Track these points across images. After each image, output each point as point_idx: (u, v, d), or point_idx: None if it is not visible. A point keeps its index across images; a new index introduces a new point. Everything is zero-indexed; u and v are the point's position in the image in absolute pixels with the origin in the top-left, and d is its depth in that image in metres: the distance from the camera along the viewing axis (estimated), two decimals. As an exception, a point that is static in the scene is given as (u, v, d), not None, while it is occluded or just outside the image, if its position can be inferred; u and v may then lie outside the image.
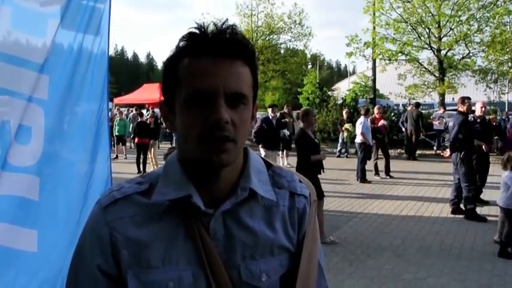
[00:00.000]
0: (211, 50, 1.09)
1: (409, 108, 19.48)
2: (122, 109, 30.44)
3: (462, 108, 8.85)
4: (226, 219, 1.17)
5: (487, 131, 10.04)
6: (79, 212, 2.51)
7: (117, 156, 19.17)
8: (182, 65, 1.11)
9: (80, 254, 1.19)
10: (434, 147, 19.20)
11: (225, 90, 1.08)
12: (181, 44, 1.13)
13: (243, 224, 1.18)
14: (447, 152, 9.58)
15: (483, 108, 9.72)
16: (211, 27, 1.11)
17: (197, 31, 1.12)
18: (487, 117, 11.82)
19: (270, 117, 12.13)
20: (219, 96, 1.07)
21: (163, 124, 13.89)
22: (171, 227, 1.14)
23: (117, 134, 19.47)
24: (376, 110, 14.49)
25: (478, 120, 9.44)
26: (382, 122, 13.72)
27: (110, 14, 2.64)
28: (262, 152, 11.18)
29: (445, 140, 10.34)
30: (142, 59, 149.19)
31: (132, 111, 24.12)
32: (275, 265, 1.21)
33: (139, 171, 14.21)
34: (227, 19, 1.14)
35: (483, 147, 9.33)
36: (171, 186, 1.15)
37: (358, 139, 12.93)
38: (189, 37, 1.12)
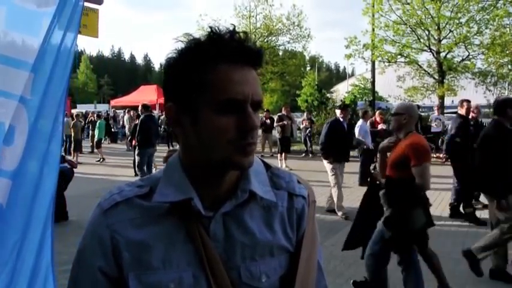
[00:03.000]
0: (243, 58, 1.12)
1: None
2: (117, 111, 30.45)
3: (461, 111, 8.82)
4: (226, 221, 1.19)
5: (479, 133, 9.97)
6: (27, 224, 2.39)
7: (103, 159, 19.25)
8: (215, 70, 1.11)
9: (81, 257, 1.21)
10: (433, 150, 19.17)
11: (253, 98, 1.13)
12: (206, 47, 1.12)
13: (242, 226, 1.20)
14: (443, 158, 9.58)
15: (475, 110, 9.65)
16: (228, 33, 1.12)
17: (223, 36, 1.12)
18: (485, 120, 11.78)
19: (341, 119, 9.72)
20: (247, 103, 1.12)
21: (161, 127, 13.77)
22: (172, 229, 1.17)
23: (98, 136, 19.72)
24: (377, 114, 14.47)
25: (472, 122, 9.38)
26: (381, 126, 13.69)
27: (82, 10, 2.60)
28: (328, 166, 9.48)
29: (443, 142, 10.27)
30: (140, 60, 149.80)
31: (133, 113, 24.24)
32: (275, 266, 1.23)
33: (136, 174, 14.14)
34: (234, 26, 1.15)
35: None
36: (172, 188, 1.17)
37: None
38: (217, 42, 1.12)
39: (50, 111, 2.48)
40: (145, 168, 12.37)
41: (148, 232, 1.16)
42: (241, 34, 1.13)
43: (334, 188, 9.60)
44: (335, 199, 9.63)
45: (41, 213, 2.44)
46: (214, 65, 1.11)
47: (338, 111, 10.00)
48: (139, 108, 13.00)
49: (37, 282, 2.37)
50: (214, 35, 1.12)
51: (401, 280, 5.05)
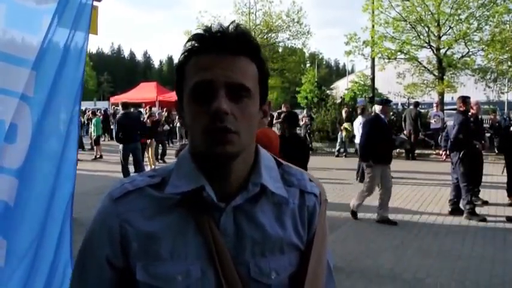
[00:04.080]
0: (214, 46, 1.12)
1: (410, 107, 19.42)
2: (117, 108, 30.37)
3: (463, 108, 8.81)
4: (237, 215, 1.18)
5: (480, 130, 10.00)
6: (43, 225, 2.40)
7: (101, 156, 19.29)
8: (188, 64, 1.15)
9: (88, 245, 1.21)
10: (433, 147, 19.15)
11: (226, 81, 1.10)
12: (187, 44, 1.17)
13: (253, 220, 1.19)
14: (444, 155, 9.56)
15: (475, 107, 9.63)
16: (215, 27, 1.14)
17: (201, 31, 1.15)
18: (485, 117, 11.75)
19: (381, 116, 8.52)
20: (219, 88, 1.09)
21: (161, 123, 13.95)
22: (182, 221, 1.16)
23: (96, 133, 19.70)
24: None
25: (472, 119, 9.38)
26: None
27: (91, 9, 2.60)
28: (368, 169, 8.42)
29: (442, 139, 10.17)
30: (139, 57, 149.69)
31: (133, 110, 24.21)
32: (285, 263, 1.21)
33: (135, 171, 14.16)
34: (234, 20, 1.18)
35: (477, 146, 9.25)
36: (184, 179, 1.17)
37: (358, 139, 12.87)
38: (194, 37, 1.16)
39: (60, 111, 2.48)
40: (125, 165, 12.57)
41: (158, 223, 1.15)
42: (230, 26, 1.15)
43: (364, 192, 8.55)
44: (356, 199, 8.69)
45: (58, 212, 2.47)
46: (188, 59, 1.16)
47: (377, 107, 8.75)
48: (120, 105, 13.30)
49: (55, 278, 2.39)
50: (196, 33, 1.16)
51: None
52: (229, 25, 1.15)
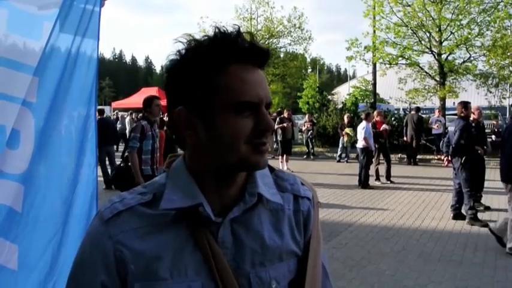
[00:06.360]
0: (253, 59, 1.11)
1: (412, 112, 19.41)
2: (122, 113, 30.40)
3: (464, 113, 8.80)
4: (235, 226, 1.15)
5: (481, 135, 9.98)
6: (62, 228, 2.41)
7: None
8: (227, 71, 1.08)
9: (80, 270, 1.13)
10: (434, 152, 19.13)
11: (266, 100, 1.12)
12: (216, 47, 1.07)
13: (251, 231, 1.17)
14: (445, 161, 9.55)
15: (476, 112, 9.60)
16: (236, 33, 1.09)
17: (232, 36, 1.08)
18: (487, 122, 11.70)
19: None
20: (262, 105, 1.11)
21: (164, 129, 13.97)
22: (179, 237, 1.11)
23: None
24: (376, 114, 14.42)
25: (473, 124, 9.36)
26: (384, 127, 13.65)
27: (100, 16, 2.60)
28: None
29: (444, 144, 10.02)
30: (141, 62, 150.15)
31: (134, 115, 24.13)
32: (283, 271, 1.20)
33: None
34: (239, 26, 1.11)
35: (478, 151, 9.22)
36: (180, 194, 1.12)
37: (360, 144, 12.86)
38: (227, 42, 1.08)
39: (69, 117, 2.48)
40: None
41: (154, 241, 1.10)
42: (247, 35, 1.10)
43: None
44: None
45: (81, 214, 2.47)
46: (226, 65, 1.07)
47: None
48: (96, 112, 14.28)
49: None
50: (222, 35, 1.08)
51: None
52: (251, 34, 1.12)
